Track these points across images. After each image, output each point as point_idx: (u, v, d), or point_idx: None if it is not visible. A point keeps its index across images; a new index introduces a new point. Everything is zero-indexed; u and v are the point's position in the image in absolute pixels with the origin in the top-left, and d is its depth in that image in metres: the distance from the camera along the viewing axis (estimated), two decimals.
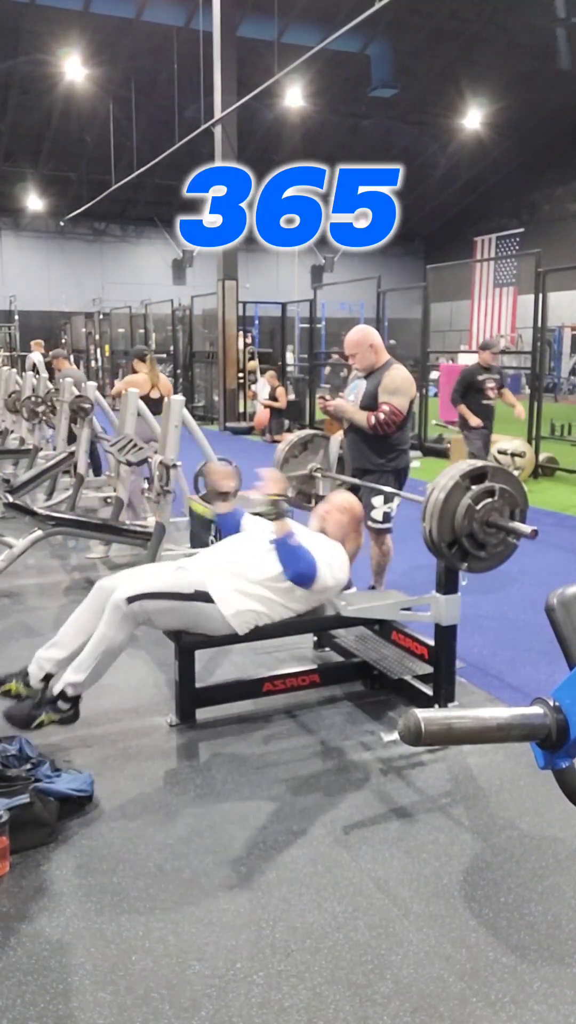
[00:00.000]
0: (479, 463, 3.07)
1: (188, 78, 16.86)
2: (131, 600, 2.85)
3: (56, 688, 2.96)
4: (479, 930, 2.11)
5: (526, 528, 2.89)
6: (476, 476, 3.02)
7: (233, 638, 3.12)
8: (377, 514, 4.09)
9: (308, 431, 4.35)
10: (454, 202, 29.84)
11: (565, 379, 23.07)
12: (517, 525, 2.93)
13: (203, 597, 2.98)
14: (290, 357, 17.34)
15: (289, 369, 17.03)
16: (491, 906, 2.20)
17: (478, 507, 2.96)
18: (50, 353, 9.26)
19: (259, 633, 3.23)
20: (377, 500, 4.03)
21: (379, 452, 4.17)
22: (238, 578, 3.06)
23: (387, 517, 4.16)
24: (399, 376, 4.16)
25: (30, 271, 27.92)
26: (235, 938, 2.08)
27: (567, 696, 1.04)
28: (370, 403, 4.14)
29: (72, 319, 26.38)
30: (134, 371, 7.41)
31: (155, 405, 6.16)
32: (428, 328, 12.07)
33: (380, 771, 2.89)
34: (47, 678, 3.06)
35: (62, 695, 2.94)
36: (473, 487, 3.00)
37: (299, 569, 3.04)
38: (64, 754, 2.90)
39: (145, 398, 6.23)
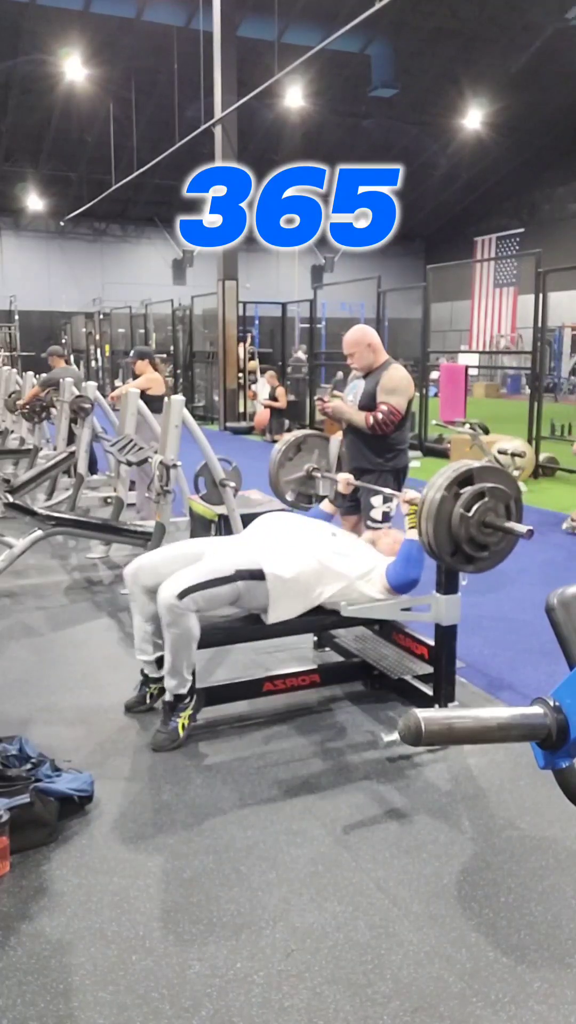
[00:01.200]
0: (462, 468, 3.00)
1: (188, 78, 16.84)
2: (182, 596, 2.92)
3: (169, 698, 3.08)
4: (479, 930, 2.11)
5: (522, 528, 2.88)
6: (463, 480, 2.97)
7: (236, 637, 3.14)
8: (376, 514, 4.09)
9: (301, 432, 4.31)
10: (454, 202, 29.83)
11: (565, 379, 23.05)
12: (513, 525, 2.91)
13: (249, 575, 3.06)
14: (301, 355, 17.28)
15: (292, 369, 17.02)
16: (491, 906, 2.20)
17: (471, 513, 2.93)
18: (47, 351, 9.23)
19: (261, 633, 3.24)
20: (376, 500, 4.03)
21: (377, 452, 4.16)
22: (314, 560, 3.19)
23: (386, 517, 4.16)
24: (397, 376, 4.14)
25: (30, 271, 27.91)
26: (235, 938, 2.08)
27: (567, 696, 1.04)
28: (369, 403, 4.13)
29: (72, 319, 26.37)
30: (136, 374, 7.38)
31: (157, 403, 6.17)
32: (428, 328, 12.07)
33: (380, 771, 2.89)
34: (159, 660, 3.22)
35: (178, 697, 3.06)
36: (462, 492, 2.94)
37: (410, 575, 3.24)
38: (64, 754, 2.90)
39: (144, 396, 6.22)
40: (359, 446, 4.19)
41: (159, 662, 3.22)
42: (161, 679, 3.16)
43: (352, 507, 4.21)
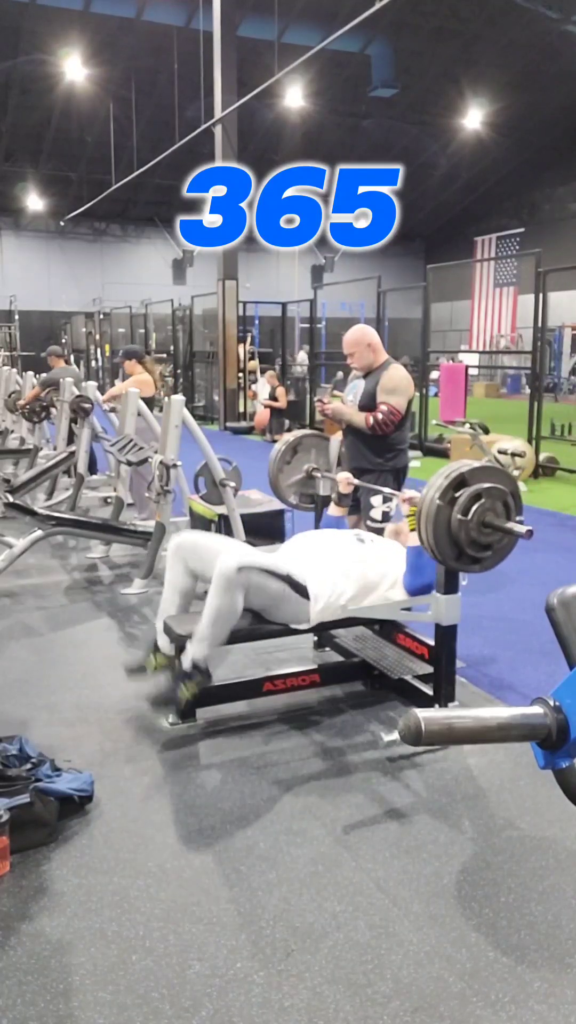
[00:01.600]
0: (454, 473, 2.96)
1: (188, 78, 16.85)
2: (241, 569, 2.93)
3: (186, 663, 3.05)
4: (479, 930, 2.11)
5: (521, 529, 2.87)
6: (458, 485, 2.95)
7: (236, 637, 3.14)
8: (376, 513, 4.09)
9: (295, 434, 4.28)
10: (454, 202, 29.83)
11: (565, 379, 23.05)
12: (513, 526, 2.90)
13: (294, 584, 3.09)
14: (303, 357, 17.30)
15: (299, 370, 17.02)
16: (491, 906, 2.20)
17: (469, 516, 2.91)
18: (47, 350, 9.21)
19: (259, 633, 3.24)
20: (376, 499, 4.03)
21: (377, 451, 4.16)
22: (347, 579, 3.22)
23: (386, 517, 4.16)
24: (397, 375, 4.14)
25: (30, 271, 27.91)
26: (235, 938, 2.08)
27: (567, 696, 1.04)
28: (369, 402, 4.12)
29: (72, 319, 26.38)
30: (127, 374, 7.35)
31: (147, 404, 6.16)
32: (428, 328, 12.07)
33: (380, 771, 2.89)
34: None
35: (194, 667, 3.03)
36: (458, 496, 2.92)
37: (424, 581, 3.25)
38: (64, 754, 2.90)
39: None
40: (359, 446, 4.18)
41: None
42: (170, 656, 3.16)
43: (352, 507, 4.21)
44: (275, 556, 3.20)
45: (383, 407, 4.05)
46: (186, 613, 3.30)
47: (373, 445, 4.14)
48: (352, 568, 3.26)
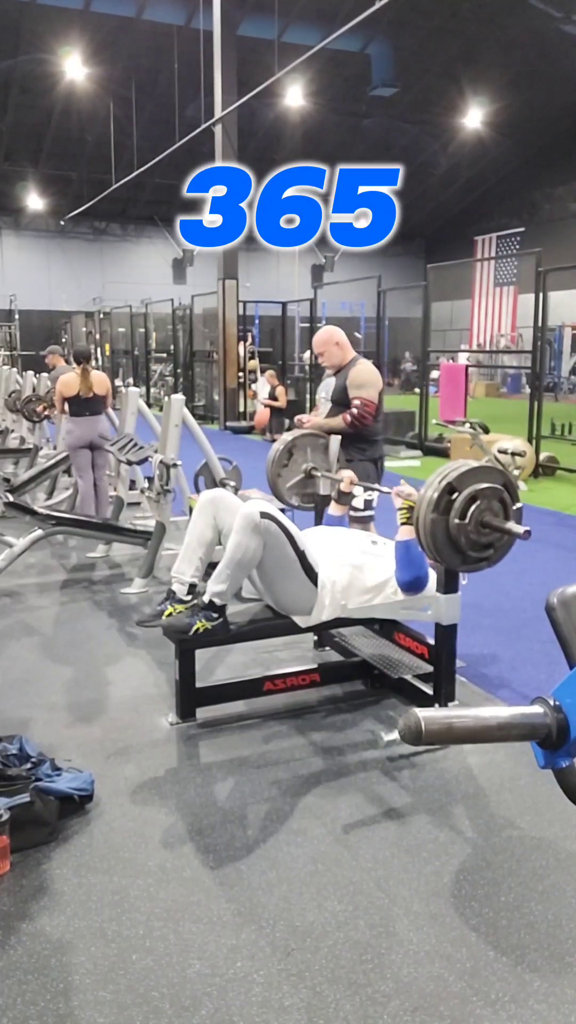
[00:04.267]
0: (445, 479, 2.93)
1: (188, 77, 16.83)
2: (264, 516, 2.98)
3: (205, 599, 3.08)
4: (479, 929, 2.11)
5: (519, 529, 2.87)
6: (452, 489, 2.92)
7: (235, 637, 3.14)
8: (358, 502, 4.15)
9: (289, 435, 4.28)
10: (455, 201, 29.80)
11: (565, 378, 23.05)
12: (511, 527, 2.90)
13: (305, 564, 3.11)
14: (308, 356, 17.28)
15: (300, 370, 16.99)
16: (491, 905, 2.20)
17: (467, 520, 2.89)
18: (46, 349, 9.20)
19: (259, 632, 3.24)
20: (357, 489, 4.06)
21: (354, 445, 4.39)
22: (357, 572, 3.24)
23: (368, 504, 4.27)
24: (364, 370, 4.44)
25: (30, 270, 27.88)
26: (235, 937, 2.08)
27: (567, 695, 1.04)
28: (340, 396, 4.41)
29: (72, 318, 26.36)
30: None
31: (77, 406, 6.11)
32: (429, 327, 12.07)
33: (380, 770, 2.89)
34: (192, 588, 3.20)
35: (211, 605, 3.06)
36: (453, 500, 2.90)
37: (416, 574, 3.25)
38: (64, 753, 2.90)
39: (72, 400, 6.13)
40: (341, 443, 4.32)
41: (191, 588, 3.20)
42: (186, 601, 3.14)
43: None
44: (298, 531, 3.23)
45: (356, 402, 4.33)
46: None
47: (351, 439, 4.36)
48: (365, 562, 3.28)
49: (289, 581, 3.12)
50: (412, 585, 3.27)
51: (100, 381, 6.26)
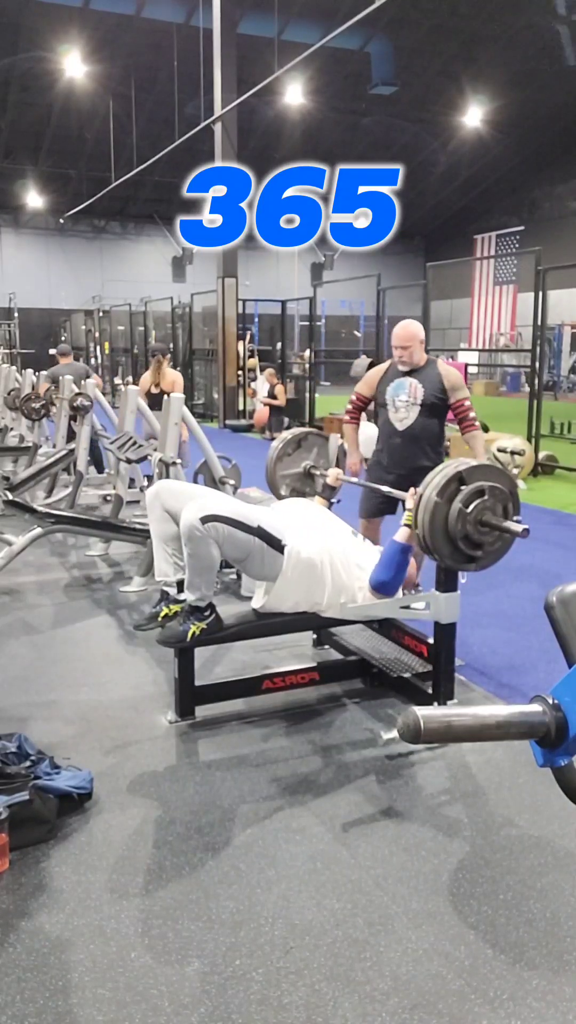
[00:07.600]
0: (462, 466, 3.00)
1: (188, 75, 16.81)
2: (204, 521, 2.93)
3: (187, 607, 3.09)
4: (478, 927, 2.12)
5: (518, 527, 2.88)
6: (463, 478, 2.98)
7: (235, 635, 3.14)
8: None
9: (302, 429, 4.33)
10: (454, 200, 29.78)
11: (565, 377, 23.04)
12: (510, 524, 2.92)
13: (268, 540, 3.06)
14: (308, 355, 17.27)
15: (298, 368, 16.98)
16: (490, 903, 2.21)
17: (469, 509, 2.93)
18: (56, 349, 9.25)
19: (259, 631, 3.24)
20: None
21: (436, 448, 4.33)
22: (332, 553, 3.19)
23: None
24: (455, 371, 4.34)
25: (30, 268, 27.86)
26: (234, 935, 2.08)
27: (566, 694, 1.04)
28: (437, 399, 4.23)
29: (72, 317, 26.34)
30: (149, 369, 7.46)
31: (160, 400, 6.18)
32: (428, 326, 11.97)
33: (379, 769, 2.90)
34: (180, 584, 3.18)
35: (196, 608, 3.06)
36: (462, 488, 2.95)
37: (392, 577, 3.22)
38: (63, 751, 2.91)
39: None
40: (420, 445, 4.28)
41: (180, 584, 3.19)
42: (181, 601, 3.15)
43: (380, 510, 4.35)
44: (247, 507, 3.16)
45: (466, 402, 4.27)
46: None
47: (435, 443, 4.32)
48: (334, 551, 3.22)
49: (253, 557, 3.09)
50: (384, 587, 3.23)
51: (172, 380, 6.44)
